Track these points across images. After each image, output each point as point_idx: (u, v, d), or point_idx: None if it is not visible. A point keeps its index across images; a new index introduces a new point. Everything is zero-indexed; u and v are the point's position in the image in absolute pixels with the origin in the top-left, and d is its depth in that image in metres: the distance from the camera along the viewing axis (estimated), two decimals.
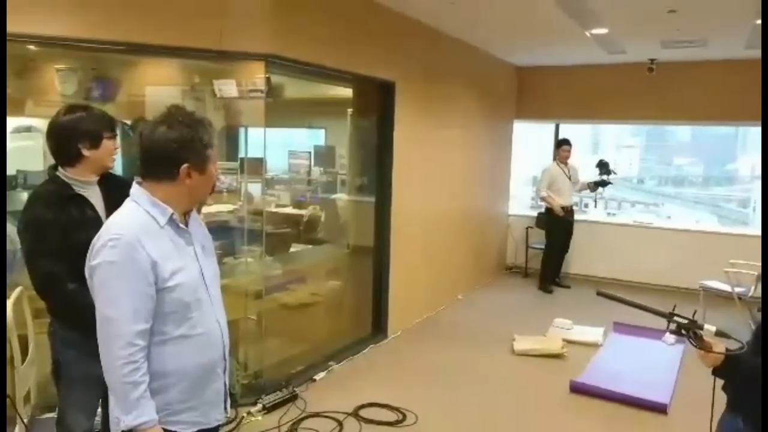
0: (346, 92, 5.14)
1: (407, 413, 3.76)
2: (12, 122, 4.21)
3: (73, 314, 2.20)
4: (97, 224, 1.75)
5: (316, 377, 4.27)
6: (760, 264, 5.01)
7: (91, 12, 3.22)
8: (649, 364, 4.77)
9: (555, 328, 5.39)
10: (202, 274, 1.74)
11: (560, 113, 7.85)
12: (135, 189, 1.70)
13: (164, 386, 1.67)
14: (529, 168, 8.70)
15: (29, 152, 4.11)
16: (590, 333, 5.31)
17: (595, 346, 5.12)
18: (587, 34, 5.49)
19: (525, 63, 7.69)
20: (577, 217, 7.27)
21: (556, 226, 7.02)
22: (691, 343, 1.80)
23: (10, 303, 2.57)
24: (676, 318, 1.82)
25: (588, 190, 7.24)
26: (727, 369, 1.78)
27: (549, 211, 7.03)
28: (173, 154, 1.63)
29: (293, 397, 3.86)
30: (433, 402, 3.96)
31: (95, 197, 2.27)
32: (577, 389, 4.19)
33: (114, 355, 1.58)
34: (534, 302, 6.61)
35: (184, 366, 1.69)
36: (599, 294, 2.00)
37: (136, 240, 1.59)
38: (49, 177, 2.28)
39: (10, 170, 4.64)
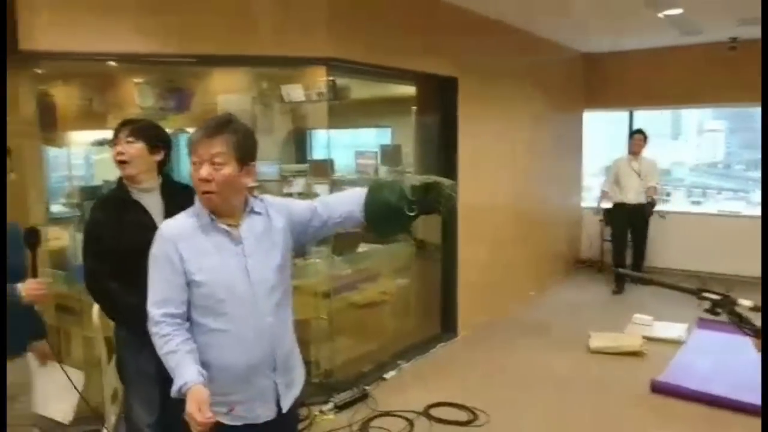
0: (410, 90, 5.13)
1: (478, 413, 3.72)
2: (96, 135, 4.49)
3: (113, 312, 2.39)
4: (149, 229, 1.83)
5: (386, 376, 4.30)
6: None
7: (165, 28, 3.38)
8: (740, 363, 4.45)
9: (634, 325, 5.16)
10: (248, 273, 1.78)
11: (633, 100, 7.50)
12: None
13: (210, 376, 1.74)
14: (604, 159, 8.37)
15: (112, 163, 4.40)
16: (672, 329, 5.05)
17: (677, 343, 4.87)
18: (660, 15, 5.22)
19: (593, 50, 7.39)
20: (658, 207, 6.70)
21: (617, 221, 6.57)
22: (743, 330, 1.59)
23: (96, 307, 2.73)
24: (706, 294, 1.63)
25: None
26: None
27: (616, 206, 6.56)
28: None
29: (364, 396, 3.91)
30: (505, 402, 3.90)
31: (152, 203, 2.36)
32: (660, 389, 3.99)
33: (151, 333, 1.76)
34: (610, 298, 6.37)
35: (224, 360, 1.77)
36: (617, 272, 1.86)
37: (171, 237, 1.77)
38: (117, 184, 2.42)
39: (97, 181, 4.97)
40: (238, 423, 1.81)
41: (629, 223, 6.51)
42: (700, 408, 3.76)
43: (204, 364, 1.74)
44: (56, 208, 4.18)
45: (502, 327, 5.40)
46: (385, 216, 1.88)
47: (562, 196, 7.28)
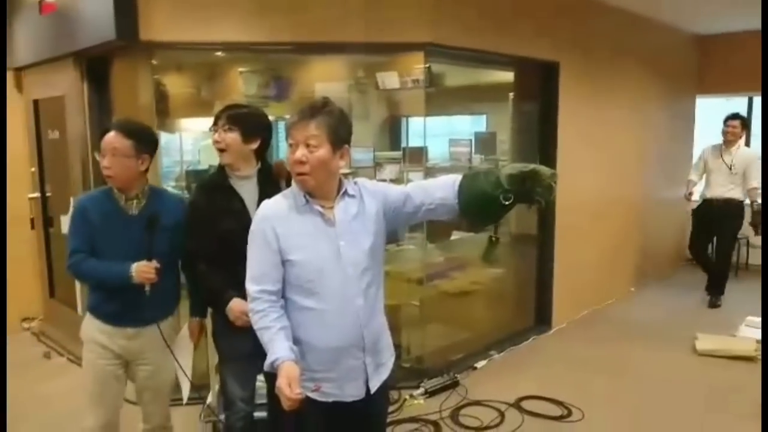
0: (507, 76, 5.01)
1: (572, 409, 3.60)
2: (203, 122, 4.75)
3: (201, 291, 2.48)
4: (238, 215, 1.89)
5: (477, 365, 4.26)
6: None
7: (269, 18, 3.49)
8: None
9: (747, 327, 4.79)
10: (339, 255, 1.81)
11: (753, 85, 6.89)
12: None
13: (301, 352, 1.81)
14: None
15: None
16: None
17: None
18: None
19: (709, 31, 6.86)
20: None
21: (699, 219, 5.76)
22: None
23: None
24: None
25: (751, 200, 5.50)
26: None
27: (702, 203, 5.77)
28: None
29: (454, 384, 3.90)
30: (601, 400, 3.75)
31: (248, 190, 2.39)
32: None
33: (249, 310, 1.84)
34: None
35: (314, 338, 1.82)
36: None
37: (268, 216, 1.83)
38: (217, 169, 2.49)
39: (204, 165, 5.26)
40: (329, 400, 1.86)
41: (713, 224, 5.65)
42: None
43: (295, 341, 1.80)
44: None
45: (599, 322, 5.18)
46: (479, 204, 1.83)
47: (669, 188, 6.83)
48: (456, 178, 1.88)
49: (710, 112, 7.39)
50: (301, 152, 1.77)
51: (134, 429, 2.59)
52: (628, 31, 5.69)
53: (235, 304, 2.32)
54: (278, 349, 1.73)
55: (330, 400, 1.86)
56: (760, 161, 5.54)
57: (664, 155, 6.56)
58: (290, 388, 1.64)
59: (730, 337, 4.64)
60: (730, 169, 5.51)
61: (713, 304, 5.62)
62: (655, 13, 5.78)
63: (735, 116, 5.57)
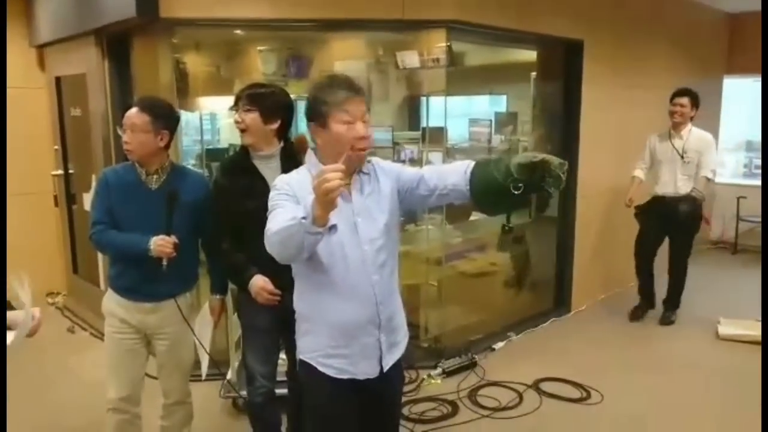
0: (530, 55, 4.92)
1: (591, 391, 3.59)
2: (225, 101, 4.74)
3: (224, 268, 2.51)
4: (264, 194, 1.86)
5: (495, 347, 4.25)
6: None
7: None
8: None
9: None
10: (357, 231, 1.81)
11: None
12: (308, 154, 1.89)
13: (316, 329, 1.82)
14: (743, 130, 7.61)
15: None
16: None
17: None
18: None
19: (739, 8, 6.66)
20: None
21: (647, 222, 4.73)
22: None
23: None
24: None
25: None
26: None
27: (650, 200, 4.73)
28: (306, 114, 1.83)
29: (472, 365, 3.90)
30: (620, 383, 3.73)
31: (271, 169, 2.39)
32: None
33: (270, 233, 1.64)
34: (743, 282, 5.84)
35: (333, 314, 1.82)
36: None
37: (292, 185, 1.79)
38: (239, 148, 2.50)
39: (223, 144, 5.27)
40: (344, 376, 1.87)
41: (665, 226, 4.65)
42: None
43: (312, 319, 1.82)
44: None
45: (618, 306, 5.13)
46: (490, 193, 1.80)
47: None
48: (468, 165, 1.85)
49: (739, 94, 7.22)
50: (364, 128, 1.78)
51: (156, 403, 2.63)
52: (655, 8, 5.54)
53: (256, 281, 2.35)
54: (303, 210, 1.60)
55: (346, 377, 1.87)
56: (714, 147, 4.63)
57: None
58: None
59: (754, 322, 4.56)
60: (683, 157, 4.50)
61: (667, 321, 4.72)
62: None
63: (683, 92, 4.54)
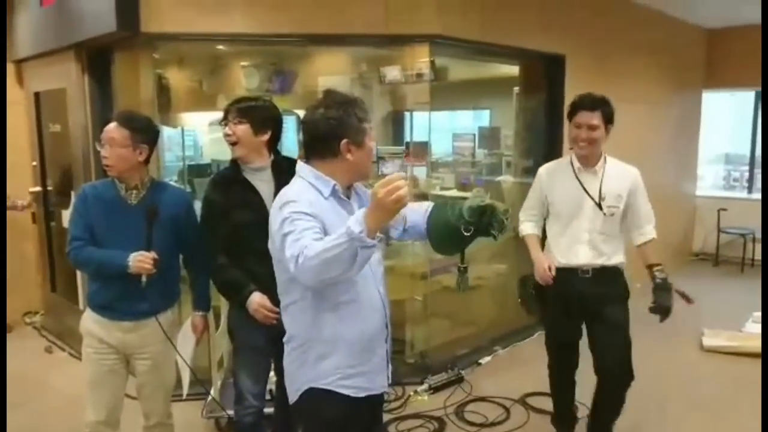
0: (512, 70, 4.96)
1: (578, 404, 3.56)
2: (207, 116, 4.72)
3: (218, 284, 2.48)
4: (254, 207, 1.83)
5: (481, 361, 4.23)
6: None
7: (273, 9, 3.45)
8: None
9: (753, 324, 4.76)
10: None
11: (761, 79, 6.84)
12: (300, 166, 1.82)
13: (336, 350, 1.77)
14: (722, 144, 7.74)
15: (222, 143, 4.67)
16: None
17: None
18: None
19: (716, 24, 6.79)
20: None
21: (551, 309, 3.03)
22: None
23: None
24: None
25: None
26: None
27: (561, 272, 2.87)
28: (332, 131, 1.72)
29: (459, 380, 3.86)
30: None
31: (263, 182, 2.39)
32: None
33: (309, 256, 1.54)
34: (726, 293, 5.89)
35: (352, 331, 1.79)
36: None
37: (303, 200, 1.68)
38: (230, 163, 2.47)
39: (206, 159, 5.22)
40: (362, 395, 1.84)
41: (581, 316, 2.99)
42: None
43: (332, 339, 1.77)
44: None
45: None
46: (444, 233, 1.89)
47: (675, 184, 6.80)
48: (429, 206, 1.96)
49: (718, 108, 7.34)
50: None
51: (136, 425, 2.56)
52: (636, 23, 5.63)
53: (255, 298, 2.31)
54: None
55: (364, 395, 1.84)
56: (643, 184, 2.95)
57: (670, 151, 6.51)
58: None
59: (737, 333, 4.60)
60: (600, 206, 2.82)
61: None
62: (664, 6, 5.73)
63: (591, 103, 2.83)
